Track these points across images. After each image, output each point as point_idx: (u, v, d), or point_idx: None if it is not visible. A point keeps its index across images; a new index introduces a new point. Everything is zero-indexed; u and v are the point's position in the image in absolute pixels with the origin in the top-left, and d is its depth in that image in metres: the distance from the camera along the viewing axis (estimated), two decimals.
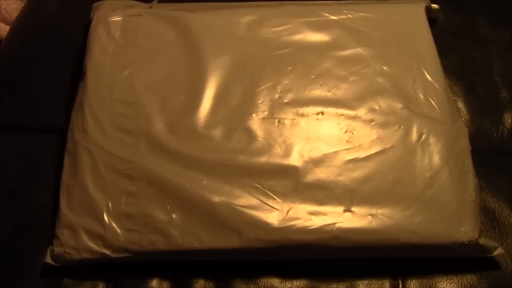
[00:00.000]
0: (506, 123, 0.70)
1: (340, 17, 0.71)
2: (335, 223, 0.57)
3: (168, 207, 0.58)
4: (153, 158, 0.60)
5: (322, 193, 0.58)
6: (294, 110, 0.64)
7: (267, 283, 0.58)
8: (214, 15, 0.71)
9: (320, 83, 0.66)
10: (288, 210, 0.57)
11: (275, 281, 0.58)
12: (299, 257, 0.59)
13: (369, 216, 0.57)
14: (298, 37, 0.69)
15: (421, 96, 0.65)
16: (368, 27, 0.70)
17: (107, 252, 0.56)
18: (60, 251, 0.57)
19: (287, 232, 0.56)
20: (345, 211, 0.57)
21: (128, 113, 0.63)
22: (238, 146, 0.61)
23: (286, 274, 0.59)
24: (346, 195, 0.58)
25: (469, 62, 0.75)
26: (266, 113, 0.63)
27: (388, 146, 0.61)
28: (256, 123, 0.63)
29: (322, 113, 0.64)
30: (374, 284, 0.58)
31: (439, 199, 0.58)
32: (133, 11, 0.71)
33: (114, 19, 0.70)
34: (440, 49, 0.69)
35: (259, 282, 0.58)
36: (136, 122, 0.63)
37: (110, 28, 0.69)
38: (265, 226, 0.56)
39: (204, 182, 0.59)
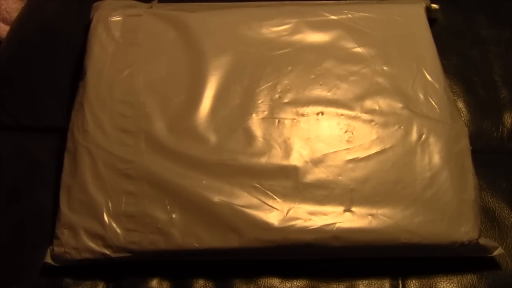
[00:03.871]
0: (506, 123, 0.70)
1: (340, 17, 0.70)
2: (335, 223, 0.57)
3: (168, 207, 0.58)
4: (153, 158, 0.60)
5: (322, 193, 0.58)
6: (294, 110, 0.64)
7: (267, 283, 0.58)
8: (214, 15, 0.71)
9: (320, 83, 0.66)
10: (288, 210, 0.57)
11: (275, 281, 0.58)
12: (299, 257, 0.59)
13: (369, 216, 0.57)
14: (298, 37, 0.69)
15: (421, 96, 0.65)
16: (368, 27, 0.70)
17: (107, 252, 0.56)
18: (60, 251, 0.57)
19: (287, 232, 0.56)
20: (345, 211, 0.57)
21: (128, 113, 0.63)
22: (238, 146, 0.61)
23: (286, 274, 0.59)
24: (346, 195, 0.58)
25: (469, 62, 0.75)
26: (266, 113, 0.63)
27: (388, 146, 0.61)
28: (256, 123, 0.63)
29: (322, 113, 0.64)
30: (374, 284, 0.58)
31: (439, 199, 0.58)
32: (133, 11, 0.71)
33: (114, 19, 0.70)
34: (440, 49, 0.69)
35: (259, 282, 0.58)
36: (136, 122, 0.63)
37: (110, 28, 0.69)
38: (265, 226, 0.56)
39: (204, 182, 0.59)
